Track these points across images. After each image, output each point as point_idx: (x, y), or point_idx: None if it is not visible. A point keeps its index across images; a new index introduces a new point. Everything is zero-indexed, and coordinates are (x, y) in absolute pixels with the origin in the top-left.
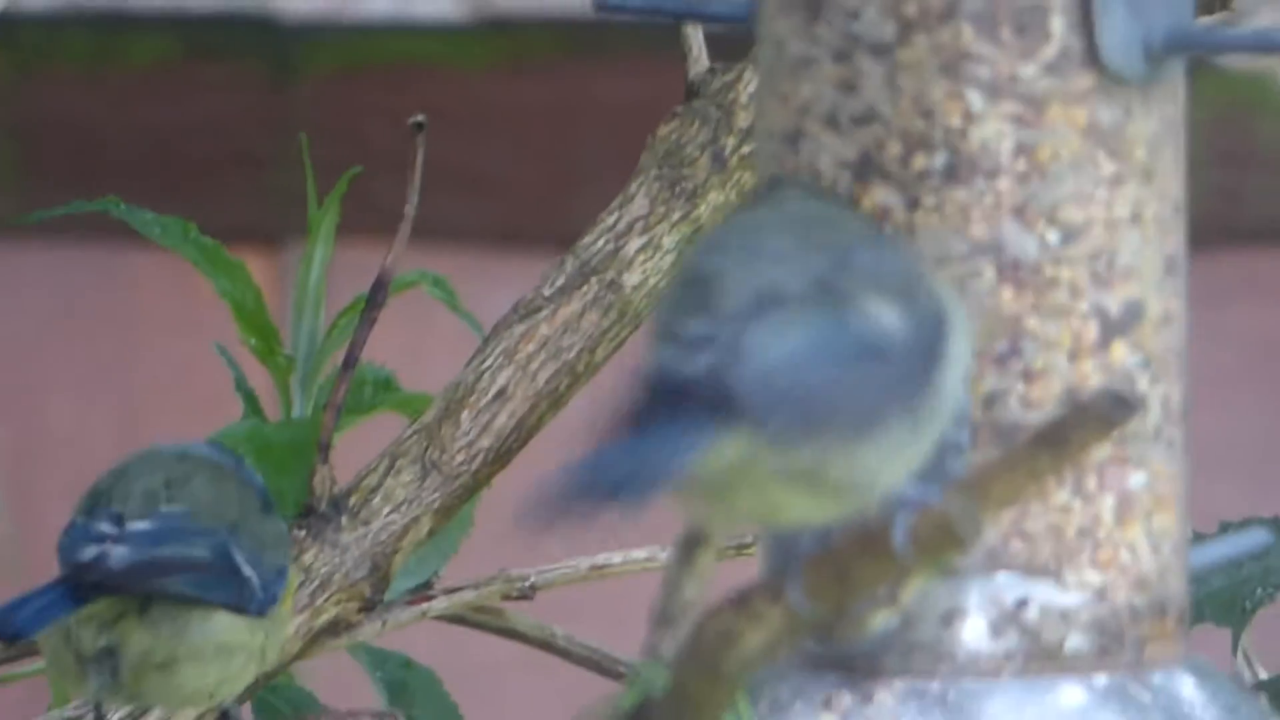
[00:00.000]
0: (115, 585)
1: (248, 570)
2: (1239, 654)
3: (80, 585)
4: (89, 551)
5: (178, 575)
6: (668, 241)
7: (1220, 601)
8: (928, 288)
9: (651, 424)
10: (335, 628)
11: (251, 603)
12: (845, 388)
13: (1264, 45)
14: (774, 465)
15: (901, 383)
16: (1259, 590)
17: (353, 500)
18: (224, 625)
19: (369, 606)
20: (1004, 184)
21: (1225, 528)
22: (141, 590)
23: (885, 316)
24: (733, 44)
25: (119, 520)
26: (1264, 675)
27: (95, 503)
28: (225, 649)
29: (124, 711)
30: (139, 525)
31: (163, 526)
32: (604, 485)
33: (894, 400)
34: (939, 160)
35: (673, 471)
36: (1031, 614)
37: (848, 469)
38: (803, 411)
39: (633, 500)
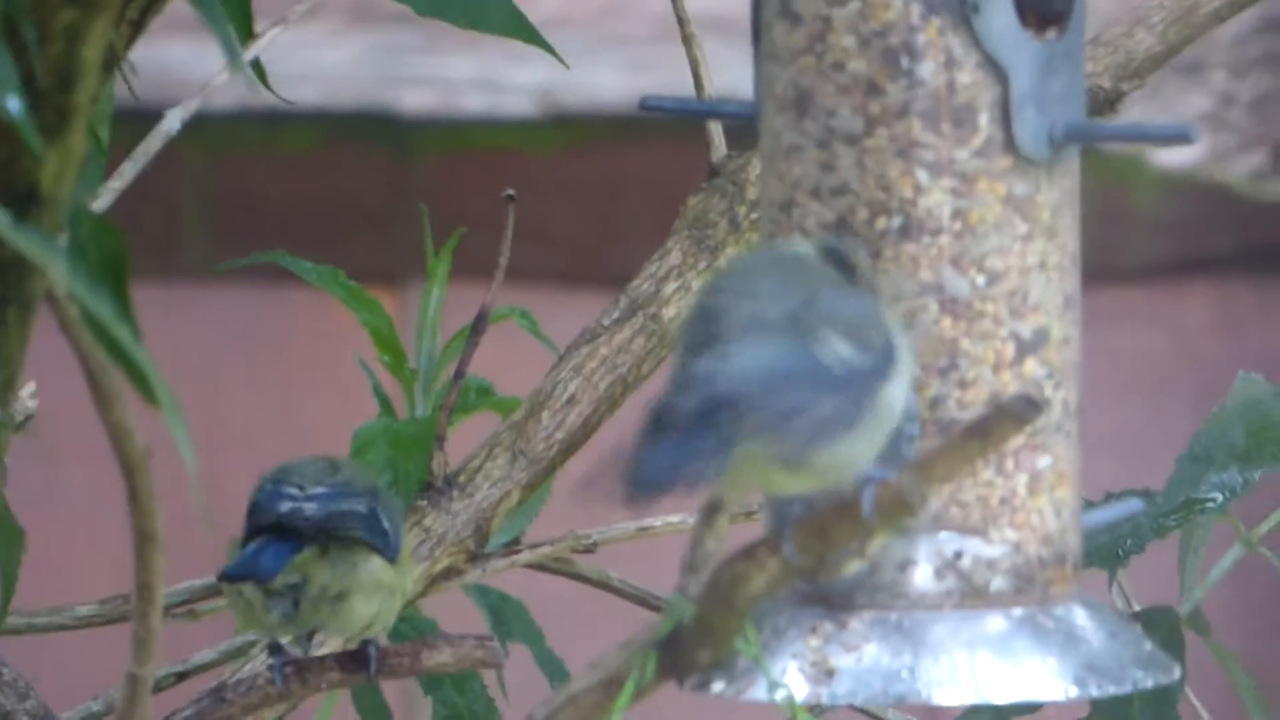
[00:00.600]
0: (313, 530)
1: (387, 525)
2: (1116, 590)
3: (291, 532)
4: (285, 505)
5: (352, 524)
6: (696, 284)
7: (1104, 552)
8: (880, 322)
9: (687, 432)
10: (449, 573)
11: (390, 550)
12: (805, 404)
13: (1137, 136)
14: (762, 458)
15: (847, 400)
16: (1129, 542)
17: (461, 478)
18: (379, 566)
19: (473, 558)
20: (944, 240)
21: (1109, 497)
22: (332, 532)
23: (837, 344)
24: (745, 137)
25: (301, 487)
26: (1136, 608)
27: (278, 480)
28: (381, 585)
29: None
30: (318, 489)
31: (334, 490)
32: (653, 478)
33: (842, 414)
34: (895, 222)
35: (710, 472)
36: (965, 563)
37: (825, 460)
38: (781, 426)
39: (672, 491)
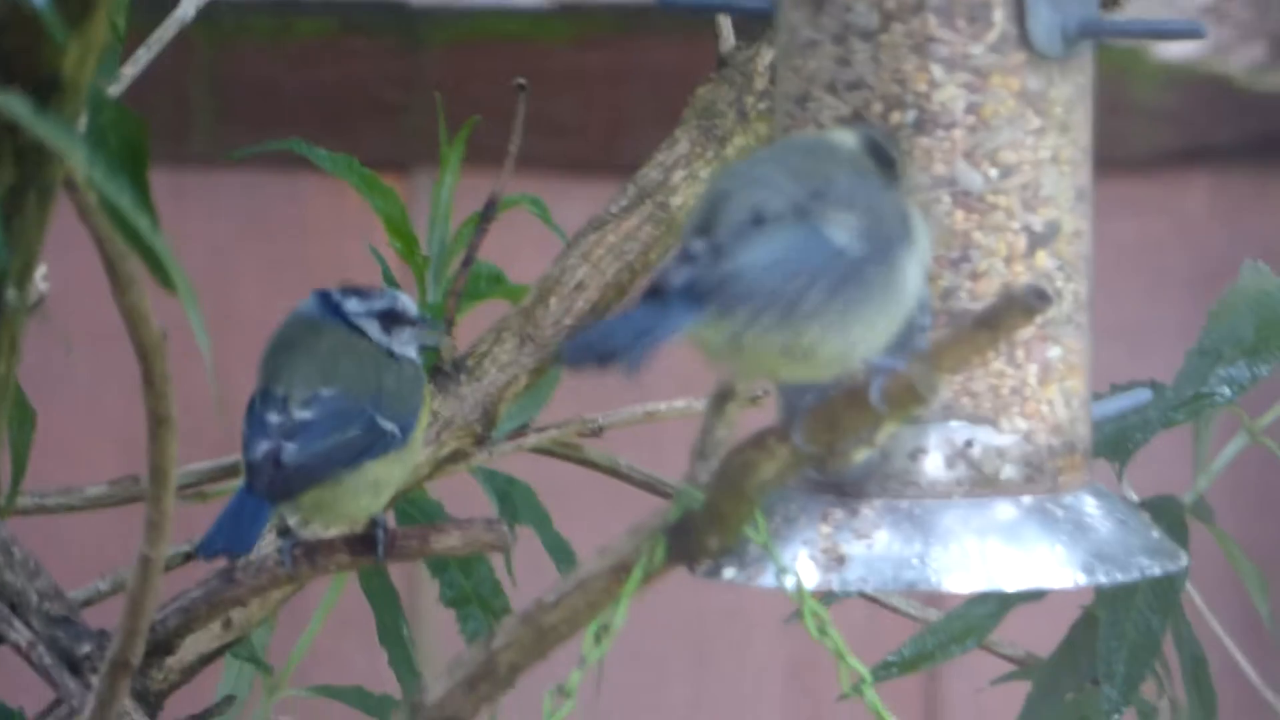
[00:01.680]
0: (296, 484)
1: (389, 425)
2: (1123, 482)
3: (273, 496)
4: (262, 447)
5: (338, 457)
6: (703, 174)
7: (1111, 443)
8: (903, 215)
9: (645, 308)
10: (456, 457)
11: (393, 447)
12: (790, 285)
13: (1149, 31)
14: (749, 342)
15: (852, 283)
16: (1138, 435)
17: (469, 362)
18: (372, 469)
19: (481, 441)
20: (958, 134)
21: (1116, 389)
22: (312, 481)
23: (841, 234)
24: (752, 28)
25: (285, 406)
26: (1134, 498)
27: (267, 385)
28: (375, 484)
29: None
30: (303, 414)
31: (321, 413)
32: (605, 348)
33: (838, 294)
34: (910, 116)
35: (655, 342)
36: (976, 451)
37: (813, 346)
38: (758, 301)
39: (625, 361)
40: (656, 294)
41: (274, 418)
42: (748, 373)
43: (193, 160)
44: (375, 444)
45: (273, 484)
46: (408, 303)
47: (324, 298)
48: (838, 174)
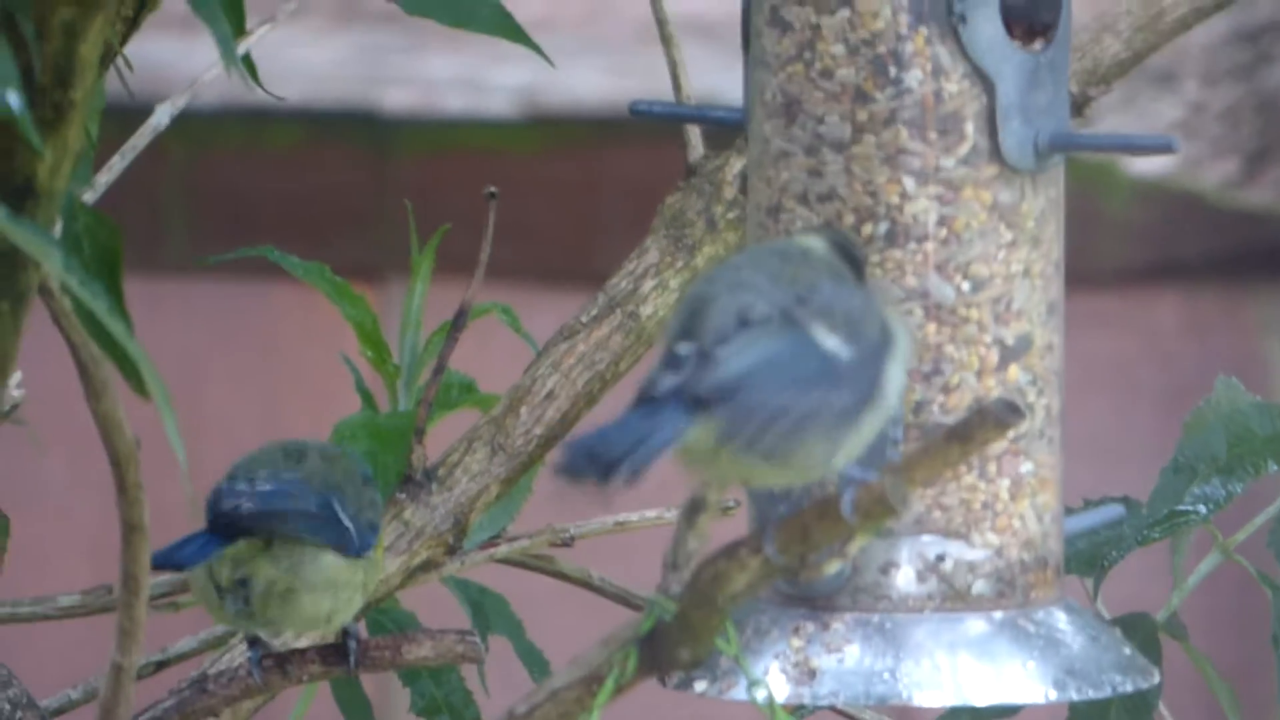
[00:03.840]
0: (246, 526)
1: (347, 522)
2: (1097, 599)
3: (223, 529)
4: (228, 504)
5: (292, 520)
6: (673, 283)
7: (1084, 559)
8: (881, 319)
9: (638, 414)
10: (427, 566)
11: (350, 547)
12: (787, 401)
13: (1121, 146)
14: (738, 450)
15: (836, 396)
16: (1113, 552)
17: (440, 472)
18: (330, 563)
19: (452, 551)
20: (930, 246)
21: (1088, 504)
22: (265, 529)
23: (829, 341)
24: (720, 138)
25: (251, 482)
26: (1106, 615)
27: (234, 474)
28: (333, 583)
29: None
30: (264, 486)
31: (280, 487)
32: (605, 457)
33: (828, 411)
34: (882, 228)
35: (655, 450)
36: (947, 565)
37: (800, 454)
38: (753, 411)
39: (626, 470)
40: (644, 401)
41: (240, 486)
42: (724, 478)
43: (166, 268)
44: (330, 527)
45: (230, 520)
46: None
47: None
48: (818, 279)
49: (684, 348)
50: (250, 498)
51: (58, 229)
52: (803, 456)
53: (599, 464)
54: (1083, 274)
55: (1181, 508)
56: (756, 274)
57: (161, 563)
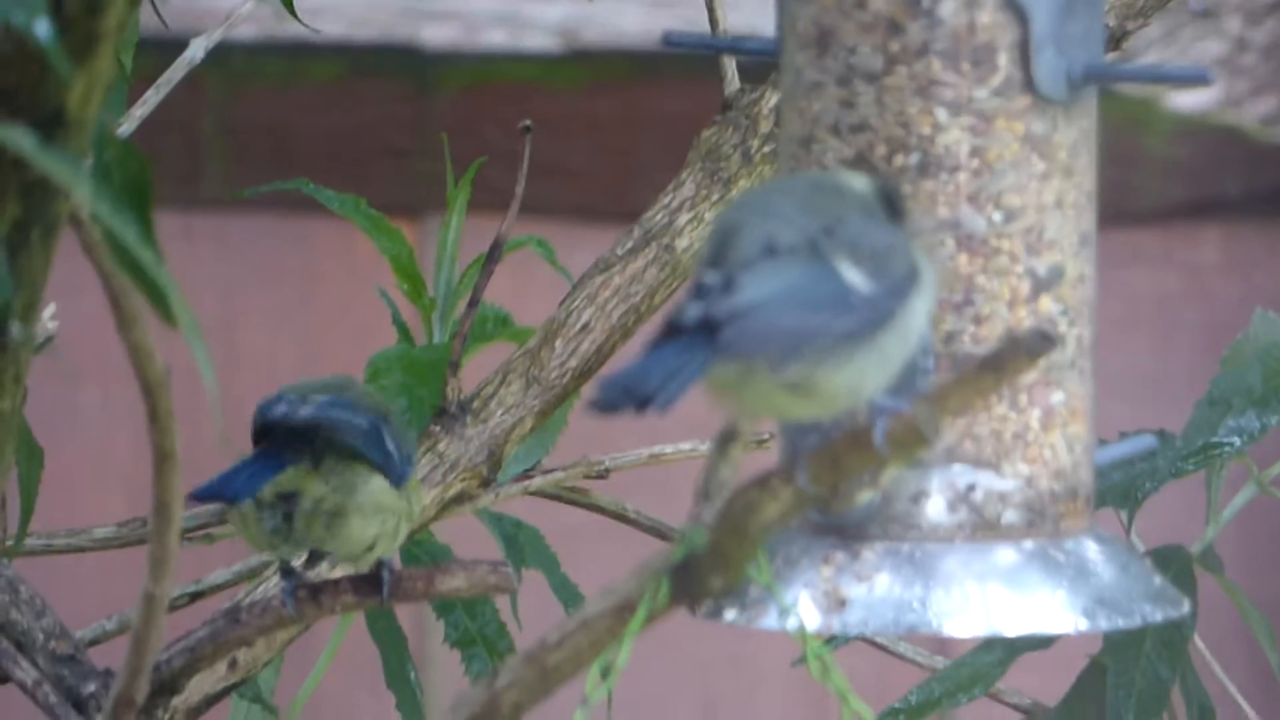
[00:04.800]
0: (299, 435)
1: (391, 446)
2: (1131, 532)
3: (274, 439)
4: (280, 409)
5: (348, 432)
6: (708, 216)
7: (1119, 492)
8: (910, 258)
9: (670, 346)
10: (461, 499)
11: (393, 472)
12: (798, 324)
13: (1155, 77)
14: (767, 379)
15: (853, 323)
16: (1147, 484)
17: (475, 404)
18: (380, 487)
19: (486, 483)
20: (962, 177)
21: (1123, 436)
22: (325, 436)
23: (851, 274)
24: (757, 71)
25: (304, 398)
26: (1142, 550)
27: (281, 392)
28: (381, 507)
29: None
30: (319, 397)
31: (336, 400)
32: (640, 390)
33: (845, 336)
34: (914, 159)
35: (687, 381)
36: (978, 495)
37: (824, 382)
38: (759, 332)
39: (660, 401)
40: (674, 331)
41: (290, 398)
42: (751, 410)
43: (203, 203)
44: (377, 449)
45: (285, 424)
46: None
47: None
48: (848, 213)
49: (710, 276)
50: (305, 405)
51: (89, 161)
52: (822, 385)
53: (633, 398)
54: (1124, 210)
55: (1216, 440)
56: (786, 203)
57: (211, 495)
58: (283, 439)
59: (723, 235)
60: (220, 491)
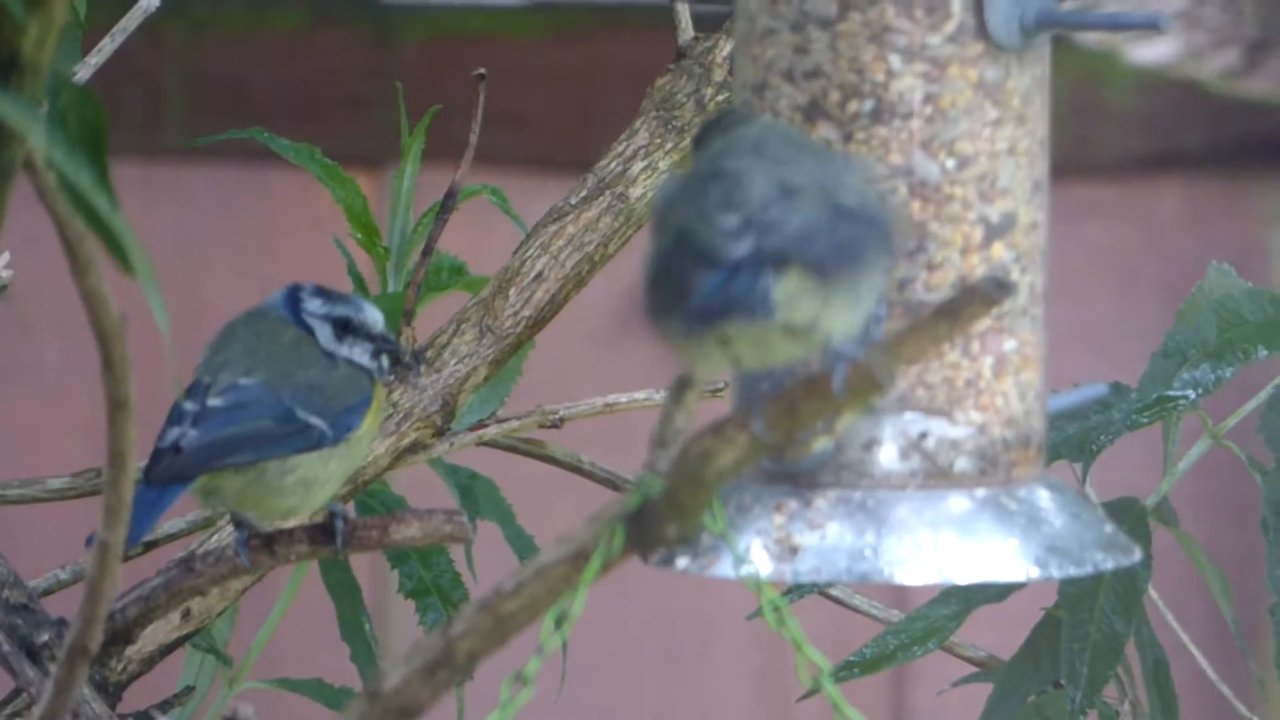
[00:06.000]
0: (188, 468)
1: (314, 420)
2: (1086, 484)
3: (163, 479)
4: (170, 436)
5: (245, 446)
6: (663, 164)
7: (1074, 443)
8: (871, 194)
9: (724, 273)
10: (415, 448)
11: (321, 443)
12: (848, 239)
13: (1107, 25)
14: (807, 300)
15: (869, 252)
16: (1102, 437)
17: (429, 353)
18: (297, 464)
19: (440, 433)
20: (915, 124)
21: (1076, 386)
22: (209, 468)
23: (856, 205)
24: (710, 20)
25: (204, 394)
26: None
27: (198, 375)
28: (303, 482)
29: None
30: (215, 402)
31: (233, 401)
32: (730, 299)
33: (880, 252)
34: (867, 105)
35: (768, 290)
36: (930, 443)
37: (836, 312)
38: (830, 251)
39: (752, 306)
40: (711, 265)
41: (190, 406)
42: (733, 359)
43: (163, 153)
44: (293, 436)
45: (168, 469)
46: (372, 317)
47: (291, 293)
48: (825, 158)
49: (730, 219)
50: (197, 420)
51: (44, 106)
52: (830, 318)
53: (726, 305)
54: (1084, 164)
55: (1171, 393)
56: (779, 149)
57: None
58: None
59: (727, 182)
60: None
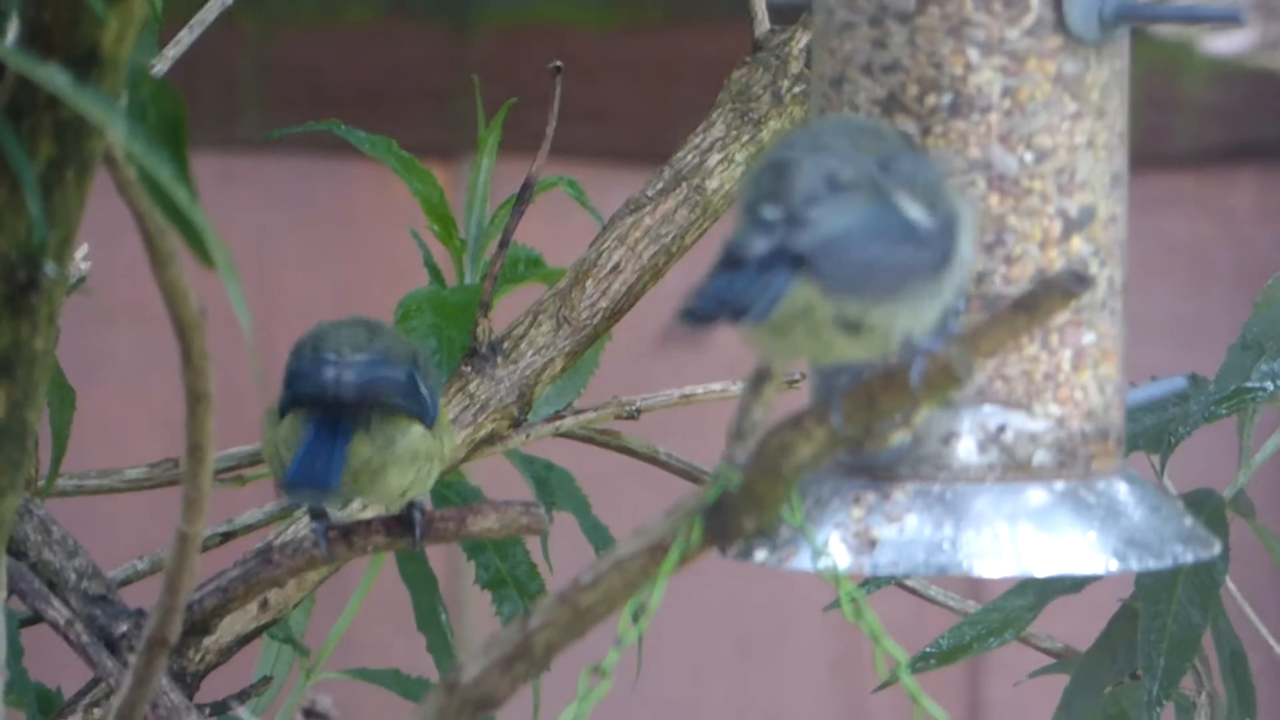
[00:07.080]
0: (354, 398)
1: (425, 391)
2: (1164, 476)
3: (329, 415)
4: (328, 372)
5: (392, 392)
6: (739, 157)
7: (1151, 435)
8: (948, 192)
9: (739, 275)
10: (492, 439)
11: (428, 415)
12: (882, 258)
13: (1187, 17)
14: (828, 312)
15: (924, 259)
16: (1180, 428)
17: (506, 345)
18: (418, 435)
19: (517, 424)
20: (993, 117)
21: (1154, 379)
22: (373, 401)
23: (913, 210)
24: (786, 12)
25: (339, 353)
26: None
27: (316, 345)
28: (418, 455)
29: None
30: (358, 356)
31: (372, 358)
32: (735, 301)
33: (917, 271)
34: (946, 99)
35: (778, 295)
36: (1009, 436)
37: (883, 319)
38: (850, 271)
39: (756, 311)
40: (736, 263)
41: (330, 356)
42: (794, 350)
43: (239, 145)
44: (416, 399)
45: (335, 388)
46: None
47: None
48: (897, 150)
49: (771, 211)
50: (349, 368)
51: (122, 99)
52: (879, 320)
53: (729, 308)
54: (1159, 155)
55: (1249, 384)
56: (837, 140)
57: (301, 484)
58: (330, 402)
59: (776, 171)
60: (309, 481)
